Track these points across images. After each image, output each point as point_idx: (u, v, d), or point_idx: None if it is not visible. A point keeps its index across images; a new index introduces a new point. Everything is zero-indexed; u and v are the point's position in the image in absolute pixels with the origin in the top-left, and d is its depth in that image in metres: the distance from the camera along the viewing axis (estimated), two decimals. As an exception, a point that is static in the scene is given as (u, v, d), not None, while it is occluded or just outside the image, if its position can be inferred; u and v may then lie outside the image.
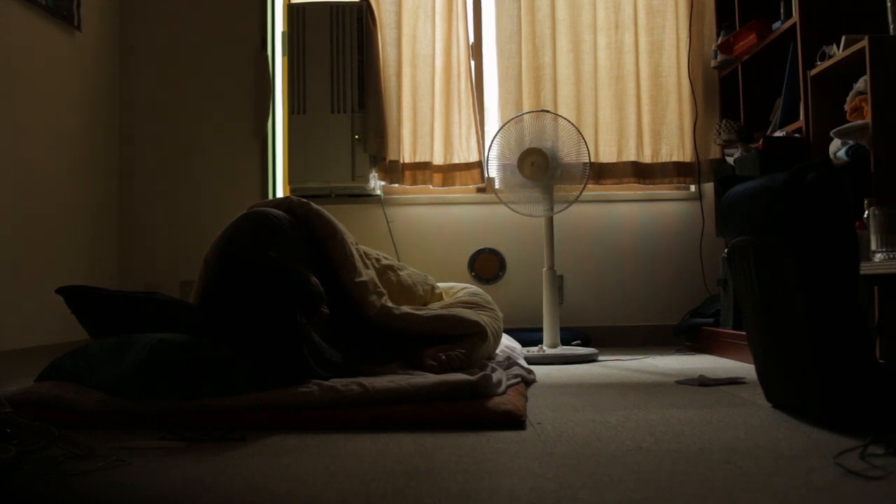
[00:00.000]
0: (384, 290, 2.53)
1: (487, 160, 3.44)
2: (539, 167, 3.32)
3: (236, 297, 2.05)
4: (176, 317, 2.12)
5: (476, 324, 2.50)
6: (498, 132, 3.46)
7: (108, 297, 2.15)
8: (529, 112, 3.56)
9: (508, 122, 3.49)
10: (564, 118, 3.46)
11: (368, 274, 2.51)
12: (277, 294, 2.03)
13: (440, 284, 3.05)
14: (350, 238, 2.56)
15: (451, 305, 2.80)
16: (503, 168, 3.41)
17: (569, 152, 3.39)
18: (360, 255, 2.59)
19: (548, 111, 3.57)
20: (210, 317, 2.07)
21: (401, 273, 2.82)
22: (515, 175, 3.38)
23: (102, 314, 2.12)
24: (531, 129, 3.41)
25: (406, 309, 2.48)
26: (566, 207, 3.47)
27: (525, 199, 3.42)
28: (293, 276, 2.11)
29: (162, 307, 2.17)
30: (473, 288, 3.02)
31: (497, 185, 3.44)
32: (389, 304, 2.47)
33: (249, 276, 2.07)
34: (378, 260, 2.81)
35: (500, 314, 2.91)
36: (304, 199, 2.53)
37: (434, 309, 2.61)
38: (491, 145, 3.45)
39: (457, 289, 3.00)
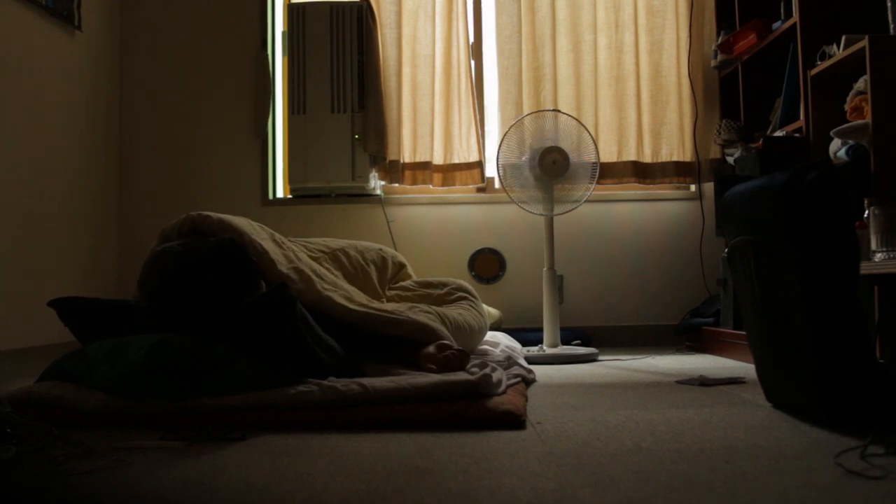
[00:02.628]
0: (315, 278, 2.46)
1: (498, 157, 3.42)
2: (560, 166, 3.33)
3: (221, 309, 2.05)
4: (169, 320, 2.11)
5: (409, 322, 2.39)
6: (509, 130, 3.44)
7: (99, 307, 2.14)
8: (544, 110, 3.56)
9: (521, 119, 3.48)
10: (573, 117, 3.46)
11: (293, 265, 2.45)
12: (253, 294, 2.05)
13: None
14: (263, 235, 2.48)
15: (409, 299, 2.83)
16: (516, 166, 3.39)
17: (583, 151, 3.40)
18: (287, 249, 2.54)
19: (561, 111, 3.56)
20: (204, 320, 2.06)
21: (350, 254, 2.85)
22: (530, 173, 3.38)
23: (95, 324, 2.11)
24: (549, 127, 3.42)
25: (334, 301, 2.40)
26: (576, 206, 3.47)
27: (540, 199, 3.42)
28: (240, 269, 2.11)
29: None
30: (460, 282, 3.04)
31: (508, 183, 3.42)
32: (325, 293, 2.39)
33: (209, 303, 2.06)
34: (326, 247, 2.83)
35: (482, 307, 2.93)
36: (204, 213, 2.45)
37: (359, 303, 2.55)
38: (501, 143, 3.43)
39: (451, 285, 3.00)
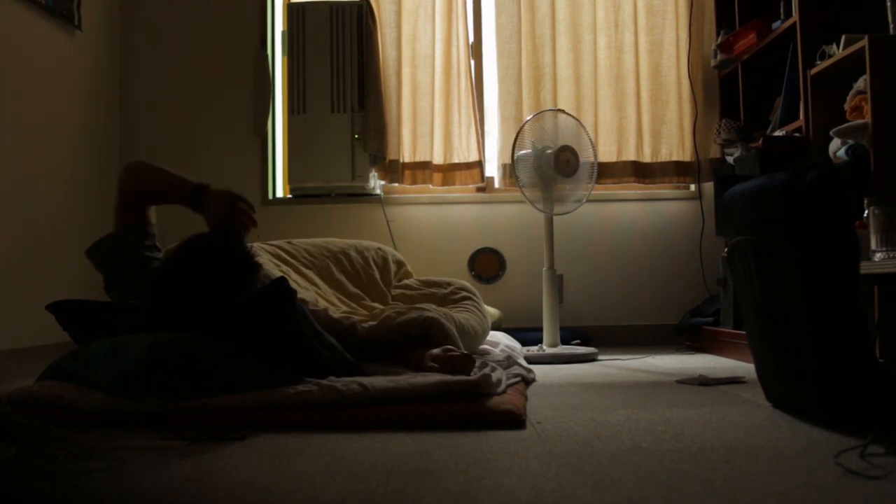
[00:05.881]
0: (329, 306, 2.55)
1: (513, 155, 3.42)
2: (571, 165, 3.34)
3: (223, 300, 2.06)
4: (167, 320, 2.10)
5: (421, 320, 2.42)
6: (522, 128, 3.45)
7: (97, 308, 2.13)
8: (553, 110, 3.56)
9: (533, 117, 3.48)
10: (572, 116, 3.46)
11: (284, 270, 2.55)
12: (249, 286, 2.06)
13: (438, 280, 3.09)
14: (263, 259, 2.56)
15: (413, 298, 2.85)
16: (528, 165, 3.40)
17: (585, 151, 3.41)
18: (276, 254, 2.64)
19: (563, 111, 3.56)
20: (203, 315, 2.06)
21: (352, 255, 2.91)
22: (536, 173, 3.38)
23: (93, 326, 2.10)
24: (558, 126, 3.42)
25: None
26: (579, 206, 3.47)
27: (551, 198, 3.43)
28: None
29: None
30: (463, 283, 3.06)
31: (522, 182, 3.41)
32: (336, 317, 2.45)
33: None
34: (328, 250, 2.87)
35: (484, 308, 2.95)
36: None
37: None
38: (515, 141, 3.43)
39: (455, 285, 3.02)
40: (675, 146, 3.99)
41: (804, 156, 3.00)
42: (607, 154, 3.97)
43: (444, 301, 2.88)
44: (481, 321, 2.82)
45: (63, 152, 3.57)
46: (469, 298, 2.94)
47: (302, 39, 3.91)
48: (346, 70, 3.90)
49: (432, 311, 2.51)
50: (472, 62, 4.06)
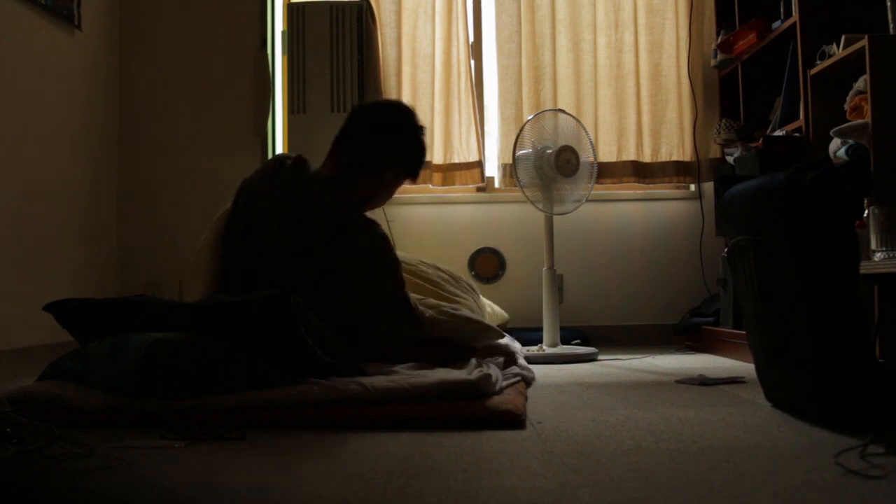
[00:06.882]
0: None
1: (514, 155, 3.42)
2: (572, 165, 3.34)
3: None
4: (167, 318, 2.10)
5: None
6: (522, 128, 3.45)
7: (96, 306, 2.13)
8: (555, 110, 3.56)
9: (532, 117, 3.48)
10: (572, 116, 3.46)
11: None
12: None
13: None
14: None
15: (429, 277, 2.96)
16: (529, 164, 3.40)
17: (585, 151, 3.41)
18: None
19: (563, 111, 3.56)
20: (201, 312, 2.06)
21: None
22: (537, 172, 3.38)
23: (93, 324, 2.10)
24: (557, 126, 3.43)
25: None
26: (578, 206, 3.47)
27: (551, 198, 3.43)
28: None
29: (151, 309, 2.15)
30: (466, 280, 3.17)
31: (524, 182, 3.41)
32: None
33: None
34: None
35: (484, 307, 3.01)
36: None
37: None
38: (516, 141, 3.43)
39: (462, 280, 3.10)
40: (675, 146, 3.99)
41: (804, 156, 3.00)
42: (607, 154, 3.97)
43: (452, 288, 2.96)
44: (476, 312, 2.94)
45: (62, 152, 3.57)
46: (471, 291, 3.03)
47: (302, 39, 3.91)
48: (346, 70, 3.90)
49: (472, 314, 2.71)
50: (472, 62, 4.06)
